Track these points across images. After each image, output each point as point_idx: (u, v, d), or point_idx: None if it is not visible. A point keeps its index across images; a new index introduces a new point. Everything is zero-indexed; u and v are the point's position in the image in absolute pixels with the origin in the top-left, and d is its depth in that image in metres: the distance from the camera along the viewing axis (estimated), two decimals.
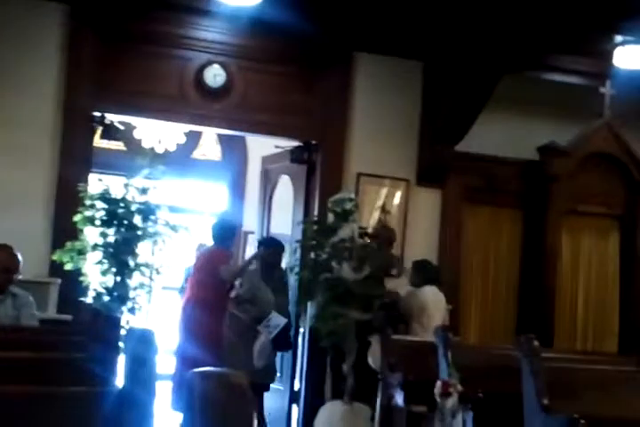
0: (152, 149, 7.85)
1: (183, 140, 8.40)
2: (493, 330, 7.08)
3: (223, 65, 6.46)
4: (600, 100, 7.27)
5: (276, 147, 7.20)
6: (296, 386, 6.57)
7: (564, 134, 7.28)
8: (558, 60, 7.07)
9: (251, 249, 7.84)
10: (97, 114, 6.21)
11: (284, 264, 6.19)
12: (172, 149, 8.28)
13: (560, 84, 7.15)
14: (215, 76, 6.44)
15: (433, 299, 5.90)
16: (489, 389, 3.82)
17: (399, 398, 4.81)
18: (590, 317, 7.40)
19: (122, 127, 6.79)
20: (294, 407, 6.53)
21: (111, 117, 6.40)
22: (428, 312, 5.81)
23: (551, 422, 3.35)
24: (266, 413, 5.88)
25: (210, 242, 6.47)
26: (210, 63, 6.42)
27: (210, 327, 5.85)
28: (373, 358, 5.26)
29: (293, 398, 6.53)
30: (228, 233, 6.30)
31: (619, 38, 6.46)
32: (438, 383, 4.03)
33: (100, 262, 5.44)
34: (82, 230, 5.54)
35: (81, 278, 5.50)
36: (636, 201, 7.52)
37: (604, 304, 7.44)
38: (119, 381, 3.22)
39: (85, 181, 5.94)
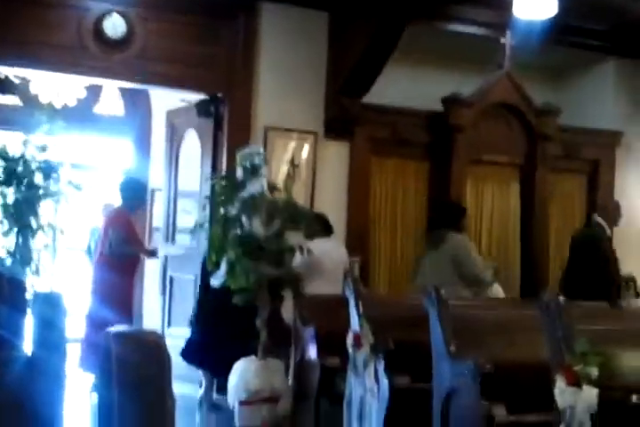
0: (50, 103, 7.56)
1: (83, 94, 8.13)
2: (402, 281, 7.24)
3: (123, 14, 6.25)
4: (500, 50, 7.39)
5: (182, 100, 7.06)
6: None
7: (468, 85, 7.39)
8: (461, 11, 7.14)
9: (158, 206, 7.71)
10: None
11: (193, 220, 6.15)
12: (72, 103, 8.00)
13: (463, 35, 7.23)
14: (115, 25, 6.22)
15: (325, 250, 5.90)
16: (400, 338, 3.92)
17: (312, 352, 4.89)
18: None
19: (17, 81, 6.51)
20: None
21: (5, 70, 6.12)
22: (323, 265, 5.83)
23: (458, 367, 3.48)
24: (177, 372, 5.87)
25: (117, 201, 6.35)
26: (109, 12, 6.20)
27: (119, 288, 5.79)
28: (286, 313, 5.30)
29: None
30: (135, 193, 6.20)
31: None
32: (350, 335, 4.12)
33: (8, 218, 5.26)
34: None
35: None
36: (534, 150, 7.74)
37: (506, 251, 7.70)
38: (27, 345, 3.16)
39: None
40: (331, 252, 6.02)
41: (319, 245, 5.82)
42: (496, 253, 7.62)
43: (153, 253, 6.54)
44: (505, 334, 3.74)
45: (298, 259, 5.24)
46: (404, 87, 7.27)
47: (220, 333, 5.53)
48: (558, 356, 2.87)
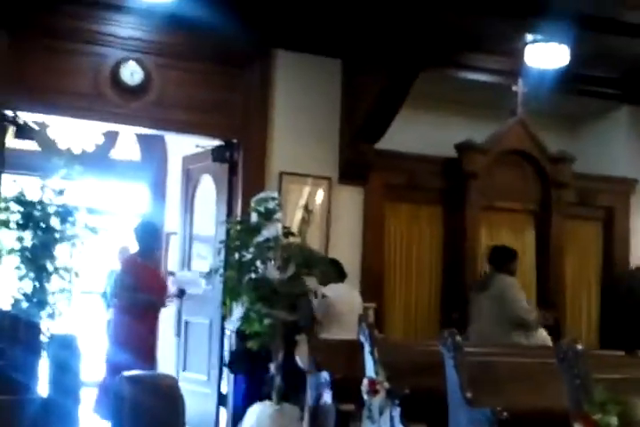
0: (68, 149, 7.65)
1: (101, 139, 8.23)
2: (418, 327, 7.19)
3: (140, 62, 6.34)
4: (513, 97, 7.46)
5: (197, 146, 7.13)
6: (223, 389, 6.53)
7: (481, 132, 7.45)
8: (472, 59, 7.24)
9: (173, 250, 7.73)
10: (9, 112, 6.02)
11: (209, 265, 6.15)
12: (90, 149, 8.10)
13: (475, 82, 7.32)
14: (132, 73, 6.32)
15: (338, 295, 5.89)
16: (415, 385, 3.87)
17: (327, 397, 4.83)
18: None
19: (36, 127, 6.60)
20: (222, 410, 6.49)
21: (24, 116, 6.21)
22: (336, 310, 5.81)
23: (475, 415, 3.43)
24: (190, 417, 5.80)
25: (133, 246, 6.34)
26: (126, 60, 6.30)
27: (135, 334, 5.74)
28: (301, 358, 5.26)
29: (221, 401, 6.48)
30: (150, 237, 6.17)
31: (529, 37, 6.65)
32: (365, 381, 4.07)
33: (17, 268, 5.28)
34: None
35: None
36: (548, 196, 7.74)
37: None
38: (41, 388, 3.14)
39: None
40: (344, 296, 6.00)
41: (333, 290, 5.81)
42: None
43: (180, 294, 6.44)
44: (523, 381, 3.69)
45: (313, 303, 5.24)
46: (419, 133, 7.34)
47: None
48: (577, 405, 2.82)
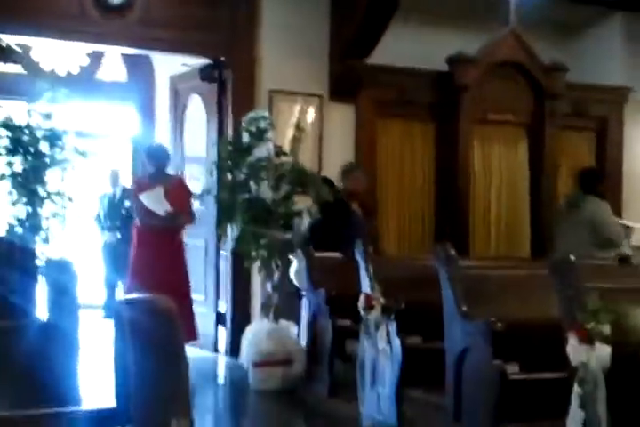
0: (53, 71, 7.49)
1: (86, 61, 8.05)
2: (412, 243, 7.25)
3: None
4: (505, 7, 7.28)
5: (184, 65, 6.99)
6: (221, 308, 6.63)
7: (473, 44, 7.30)
8: None
9: None
10: None
11: (201, 186, 6.11)
12: (75, 71, 7.93)
13: None
14: None
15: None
16: (410, 299, 3.93)
17: (324, 314, 4.91)
18: (503, 223, 7.63)
19: (19, 49, 6.45)
20: (221, 329, 6.61)
21: (7, 39, 6.05)
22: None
23: (469, 327, 3.49)
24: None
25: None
26: None
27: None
28: (296, 276, 5.32)
29: (219, 320, 6.60)
30: (160, 158, 6.01)
31: None
32: (361, 297, 4.13)
33: (9, 193, 5.26)
34: None
35: None
36: (542, 108, 7.67)
37: (515, 211, 7.68)
38: (39, 311, 3.18)
39: None
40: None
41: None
42: (505, 212, 7.61)
43: None
44: (516, 293, 3.74)
45: (307, 222, 5.25)
46: (409, 47, 7.18)
47: None
48: (570, 314, 2.87)
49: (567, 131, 7.89)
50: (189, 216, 5.89)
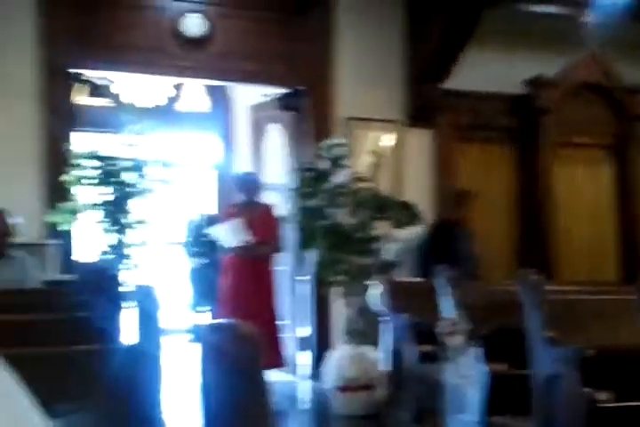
0: (138, 103, 7.74)
1: (171, 93, 8.29)
2: (495, 268, 7.11)
3: (201, 13, 6.33)
4: (583, 29, 7.16)
5: (264, 95, 7.11)
6: (300, 333, 6.62)
7: (551, 66, 7.21)
8: None
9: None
10: (77, 71, 6.10)
11: (279, 213, 6.16)
12: (160, 102, 8.18)
13: (542, 16, 7.05)
14: (194, 25, 6.31)
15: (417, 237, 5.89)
16: (494, 325, 3.85)
17: (407, 339, 4.86)
18: (588, 247, 7.45)
19: (108, 83, 6.68)
20: (302, 354, 6.59)
21: (90, 74, 6.28)
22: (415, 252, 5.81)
23: (557, 353, 3.39)
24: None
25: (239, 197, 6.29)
26: (187, 12, 6.29)
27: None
28: (375, 301, 5.29)
29: (301, 344, 6.58)
30: (251, 187, 6.10)
31: None
32: (443, 323, 4.07)
33: (101, 221, 5.41)
34: (71, 190, 5.49)
35: (77, 238, 5.47)
36: (625, 129, 7.50)
37: (601, 235, 7.49)
38: (124, 337, 3.23)
39: (69, 139, 5.85)
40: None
41: (412, 234, 5.81)
42: (591, 238, 7.42)
43: None
44: (604, 319, 3.63)
45: (392, 248, 5.23)
46: (486, 71, 7.14)
47: None
48: None
49: None
50: (275, 244, 5.91)
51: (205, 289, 8.02)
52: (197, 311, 8.16)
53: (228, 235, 5.85)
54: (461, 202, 5.80)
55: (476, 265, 5.83)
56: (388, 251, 5.33)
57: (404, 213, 5.48)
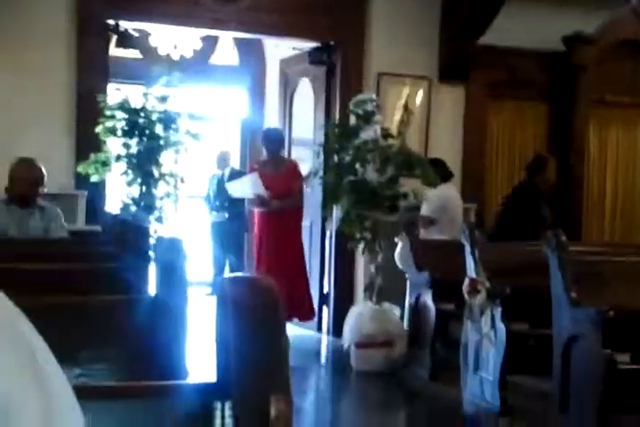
0: (168, 55, 7.70)
1: (199, 45, 8.23)
2: None
3: None
4: None
5: (294, 49, 7.04)
6: (325, 288, 6.70)
7: (590, 23, 7.03)
8: None
9: None
10: (111, 22, 6.09)
11: (308, 168, 6.17)
12: (189, 55, 8.13)
13: None
14: None
15: (450, 196, 5.89)
16: (517, 285, 3.85)
17: (427, 297, 4.88)
18: (619, 209, 7.36)
19: (136, 35, 6.65)
20: (324, 309, 6.68)
21: (125, 25, 6.26)
22: (448, 211, 5.81)
23: (579, 314, 3.39)
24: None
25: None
26: None
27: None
28: (400, 259, 5.30)
29: (323, 300, 6.67)
30: (277, 142, 6.16)
31: None
32: (466, 281, 4.07)
33: (125, 173, 5.45)
34: (104, 141, 5.53)
35: (107, 189, 5.53)
36: None
37: (632, 196, 7.38)
38: (151, 288, 3.28)
39: (104, 91, 5.87)
40: (454, 198, 5.98)
41: (444, 192, 5.79)
42: (621, 198, 7.33)
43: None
44: (630, 281, 3.61)
45: (424, 207, 5.19)
46: (523, 27, 6.98)
47: None
48: None
49: None
50: (295, 199, 5.95)
51: (226, 243, 8.10)
52: (218, 264, 8.24)
53: (244, 189, 5.92)
54: (544, 167, 5.80)
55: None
56: (421, 208, 5.32)
57: (433, 171, 5.44)
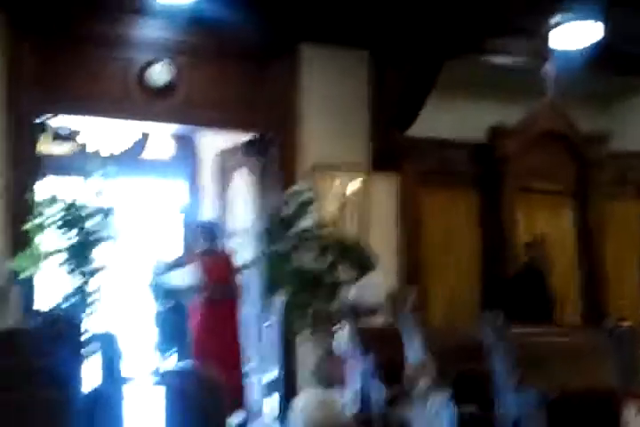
0: (102, 151, 7.73)
1: (133, 141, 8.30)
2: (458, 313, 7.14)
3: (166, 63, 6.38)
4: (543, 79, 7.35)
5: (229, 142, 7.15)
6: (266, 377, 6.56)
7: (512, 114, 7.36)
8: (498, 43, 7.13)
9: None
10: (42, 118, 6.10)
11: (245, 259, 6.18)
12: (123, 149, 8.18)
13: (503, 66, 7.23)
14: (158, 74, 6.37)
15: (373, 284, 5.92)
16: (461, 368, 3.85)
17: (374, 380, 4.83)
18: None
19: (69, 131, 6.68)
20: (266, 399, 6.53)
21: (57, 120, 6.28)
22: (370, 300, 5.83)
23: (522, 396, 3.39)
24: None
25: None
26: (152, 62, 6.35)
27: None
28: (340, 345, 5.27)
29: (267, 388, 6.54)
30: (213, 234, 6.30)
31: (557, 17, 6.53)
32: (409, 366, 4.05)
33: (66, 264, 5.36)
34: (33, 238, 5.45)
35: (39, 286, 5.40)
36: (585, 176, 7.65)
37: (564, 278, 7.55)
38: (85, 384, 3.18)
39: (32, 188, 5.82)
40: (379, 286, 6.01)
41: (371, 280, 5.82)
42: (553, 280, 7.49)
43: None
44: (568, 361, 3.65)
45: (352, 293, 5.23)
46: (449, 119, 7.28)
47: None
48: (627, 383, 2.79)
49: (612, 199, 7.82)
50: (231, 288, 6.05)
51: (170, 333, 7.94)
52: (162, 355, 8.03)
53: (184, 277, 6.07)
54: (537, 247, 5.99)
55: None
56: (351, 295, 5.34)
57: (360, 258, 5.51)
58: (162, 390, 2.48)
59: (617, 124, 8.13)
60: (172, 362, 7.55)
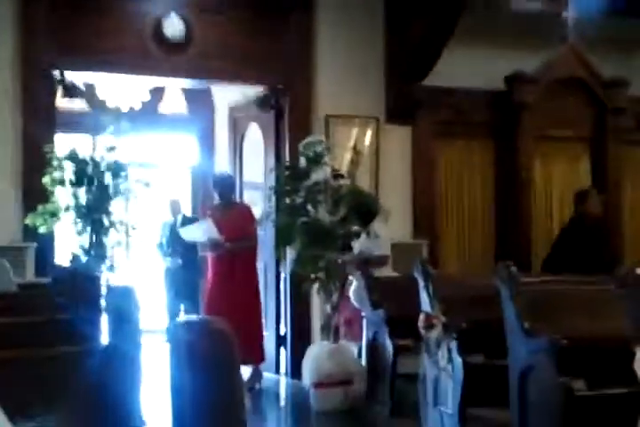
0: (116, 106, 7.72)
1: (148, 96, 8.27)
2: (473, 260, 7.16)
3: (181, 15, 6.33)
4: (563, 24, 7.20)
5: (243, 95, 7.11)
6: (282, 330, 6.67)
7: (531, 62, 7.24)
8: None
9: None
10: (57, 72, 6.09)
11: (260, 211, 6.20)
12: (137, 106, 8.16)
13: (522, 12, 7.07)
14: (174, 27, 6.32)
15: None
16: (472, 317, 3.88)
17: (384, 334, 4.89)
18: None
19: (82, 87, 6.67)
20: (282, 351, 6.64)
21: (71, 76, 6.27)
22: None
23: (533, 344, 3.43)
24: None
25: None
26: (167, 14, 6.29)
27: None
28: (355, 297, 5.32)
29: (280, 342, 6.64)
30: (229, 187, 6.32)
31: None
32: (421, 316, 4.09)
33: (74, 223, 5.41)
34: (52, 192, 5.49)
35: (56, 240, 5.47)
36: (604, 123, 7.54)
37: None
38: (104, 338, 3.24)
39: (51, 141, 5.85)
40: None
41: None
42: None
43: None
44: (580, 309, 3.66)
45: (361, 244, 5.26)
46: (466, 68, 7.15)
47: None
48: (638, 328, 2.79)
49: (630, 145, 7.72)
50: (248, 242, 6.03)
51: (180, 290, 8.06)
52: (172, 311, 8.18)
53: (198, 233, 6.02)
54: (587, 199, 6.02)
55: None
56: (360, 246, 5.37)
57: (370, 211, 5.50)
58: (170, 344, 2.51)
59: (638, 70, 7.96)
60: (181, 317, 7.68)
